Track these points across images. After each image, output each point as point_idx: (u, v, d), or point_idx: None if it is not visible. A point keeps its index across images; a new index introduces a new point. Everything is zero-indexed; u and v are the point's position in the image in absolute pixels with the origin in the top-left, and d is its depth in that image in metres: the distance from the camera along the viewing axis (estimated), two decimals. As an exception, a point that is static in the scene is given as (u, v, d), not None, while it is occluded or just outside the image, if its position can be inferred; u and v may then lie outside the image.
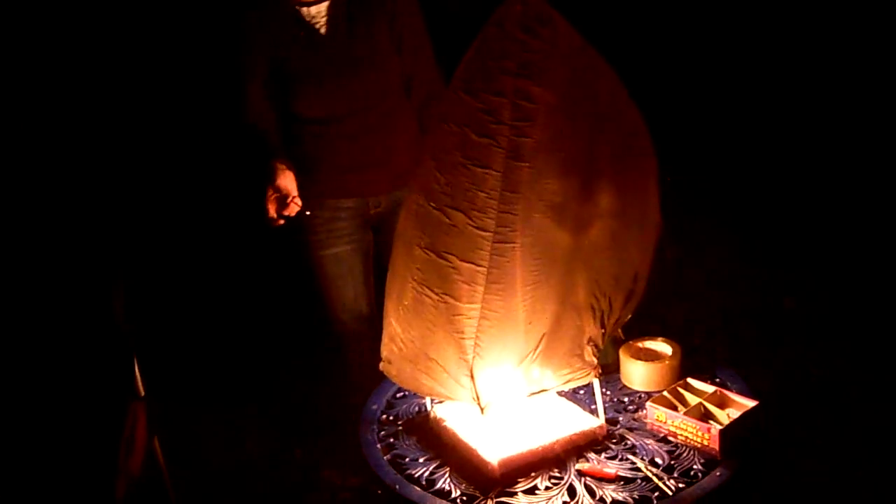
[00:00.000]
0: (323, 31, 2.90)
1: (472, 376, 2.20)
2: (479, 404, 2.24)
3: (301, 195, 2.85)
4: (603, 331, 2.29)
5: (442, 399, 2.36)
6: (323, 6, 2.90)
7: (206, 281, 4.68)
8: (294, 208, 2.82)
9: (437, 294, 2.14)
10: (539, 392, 2.34)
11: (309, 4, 2.89)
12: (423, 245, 2.13)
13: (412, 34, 3.03)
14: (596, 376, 2.37)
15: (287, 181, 2.84)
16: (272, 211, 2.80)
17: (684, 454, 2.31)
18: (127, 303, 2.90)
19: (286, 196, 2.81)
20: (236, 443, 3.79)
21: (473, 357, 2.18)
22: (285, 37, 2.90)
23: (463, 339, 2.16)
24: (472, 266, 2.06)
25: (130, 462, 2.71)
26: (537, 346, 2.21)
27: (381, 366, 2.45)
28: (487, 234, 2.03)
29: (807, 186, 5.81)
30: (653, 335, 2.71)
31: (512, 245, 2.04)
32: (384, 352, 2.42)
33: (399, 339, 2.31)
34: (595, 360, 2.34)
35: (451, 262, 2.09)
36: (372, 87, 2.97)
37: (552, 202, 2.03)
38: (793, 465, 3.38)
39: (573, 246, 2.10)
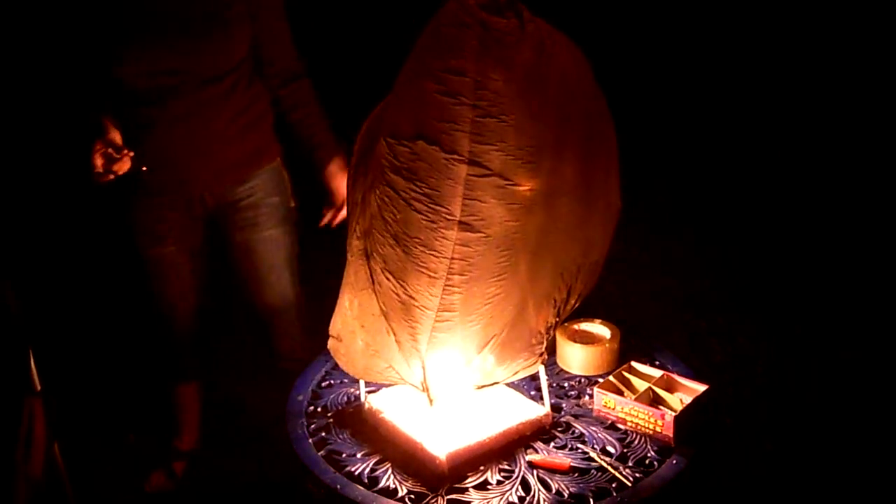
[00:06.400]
0: None
1: (423, 367, 2.09)
2: (428, 396, 2.12)
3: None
4: (557, 319, 2.20)
5: (393, 382, 2.23)
6: None
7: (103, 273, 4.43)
8: (126, 163, 2.56)
9: (396, 280, 2.00)
10: (489, 385, 2.23)
11: None
12: (386, 231, 1.99)
13: (270, 2, 2.77)
14: (542, 363, 2.28)
15: (117, 136, 2.60)
16: (99, 165, 2.53)
17: (636, 442, 2.26)
18: (19, 295, 2.67)
19: (116, 149, 2.55)
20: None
21: (427, 349, 2.05)
22: None
23: (417, 331, 2.03)
24: (435, 256, 1.92)
25: (30, 463, 2.51)
26: (495, 340, 2.10)
27: (330, 343, 2.31)
28: (452, 221, 1.89)
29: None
30: (588, 316, 2.64)
31: (478, 235, 1.91)
32: (333, 328, 2.28)
33: (350, 316, 2.19)
34: (543, 348, 2.25)
35: (413, 252, 1.95)
36: (216, 53, 2.65)
37: (520, 188, 1.90)
38: (741, 449, 3.41)
39: (540, 233, 1.98)
